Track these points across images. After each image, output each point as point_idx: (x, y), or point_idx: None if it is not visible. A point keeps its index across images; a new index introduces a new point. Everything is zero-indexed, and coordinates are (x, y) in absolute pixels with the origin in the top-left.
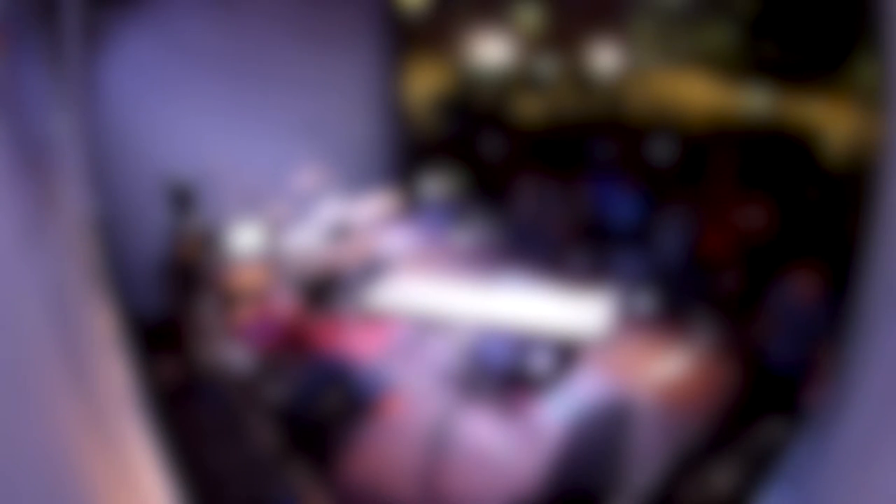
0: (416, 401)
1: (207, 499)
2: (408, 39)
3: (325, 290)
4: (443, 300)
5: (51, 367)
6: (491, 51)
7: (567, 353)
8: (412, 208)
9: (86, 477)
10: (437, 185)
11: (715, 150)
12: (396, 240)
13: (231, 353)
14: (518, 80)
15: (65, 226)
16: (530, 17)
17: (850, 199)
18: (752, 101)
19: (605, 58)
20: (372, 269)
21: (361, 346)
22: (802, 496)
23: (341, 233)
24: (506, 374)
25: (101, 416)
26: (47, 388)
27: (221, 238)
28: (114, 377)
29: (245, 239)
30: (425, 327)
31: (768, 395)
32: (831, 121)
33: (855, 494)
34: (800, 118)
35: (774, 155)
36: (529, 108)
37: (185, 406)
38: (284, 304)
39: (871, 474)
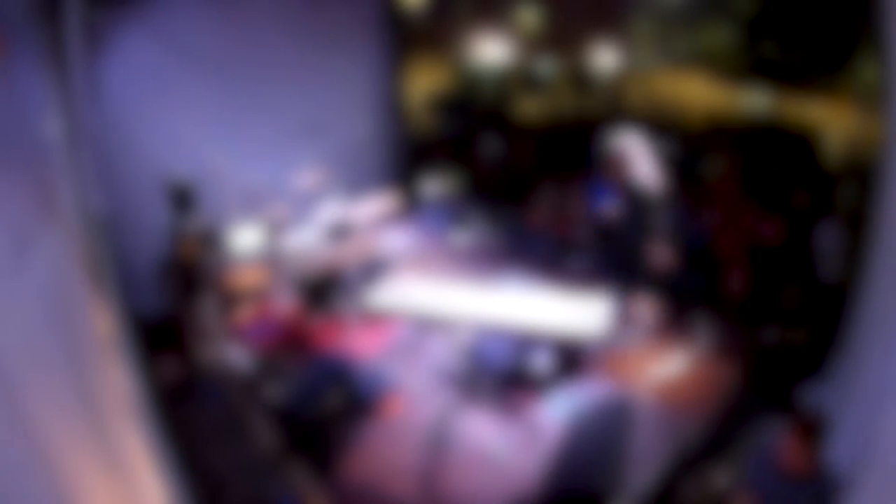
0: (416, 401)
1: (207, 499)
2: (408, 41)
3: (325, 290)
4: (443, 300)
5: (50, 370)
6: (491, 51)
7: (567, 353)
8: (412, 208)
9: (84, 479)
10: (437, 185)
11: (715, 150)
12: (396, 240)
13: (231, 353)
14: (518, 80)
15: (65, 226)
16: (530, 18)
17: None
18: (752, 101)
19: (605, 58)
20: (372, 269)
21: (361, 346)
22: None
23: (341, 233)
24: (506, 374)
25: (100, 418)
26: (46, 391)
27: (221, 238)
28: (113, 379)
29: (245, 239)
30: (425, 327)
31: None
32: (831, 121)
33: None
34: (799, 118)
35: (775, 154)
36: (529, 109)
37: (186, 406)
38: (284, 304)
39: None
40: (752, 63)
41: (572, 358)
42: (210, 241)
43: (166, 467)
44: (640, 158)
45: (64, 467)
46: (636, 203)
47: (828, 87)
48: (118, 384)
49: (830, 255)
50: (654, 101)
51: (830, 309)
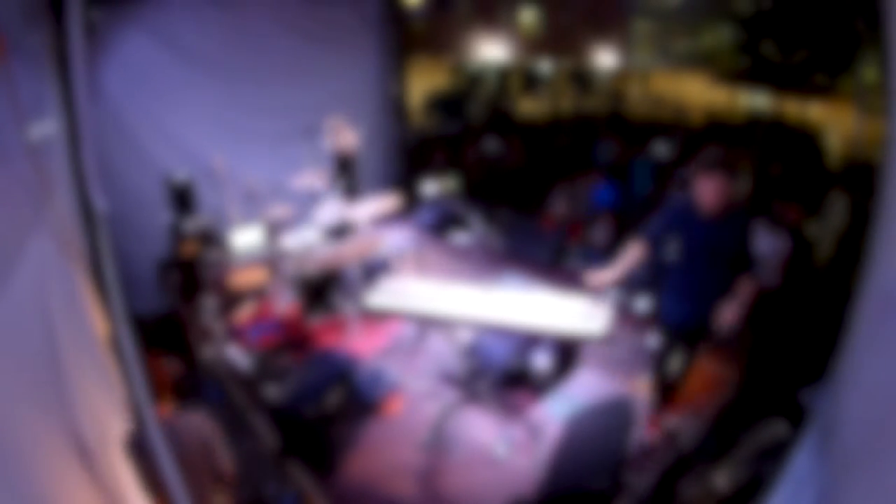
0: (416, 401)
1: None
2: (408, 41)
3: (325, 290)
4: (443, 300)
5: (37, 376)
6: (491, 51)
7: (567, 353)
8: (412, 208)
9: (72, 489)
10: (436, 185)
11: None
12: (396, 240)
13: (231, 352)
14: (518, 80)
15: (60, 228)
16: (530, 18)
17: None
18: (751, 101)
19: (605, 58)
20: (372, 269)
21: (361, 346)
22: (809, 496)
23: (341, 233)
24: (506, 374)
25: (89, 428)
26: (34, 398)
27: (221, 238)
28: (108, 382)
29: (245, 239)
30: (425, 327)
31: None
32: (831, 121)
33: (859, 494)
34: (799, 118)
35: (776, 153)
36: (529, 109)
37: (186, 406)
38: (284, 304)
39: (875, 474)
40: (752, 63)
41: (572, 358)
42: (210, 240)
43: (165, 466)
44: (345, 130)
45: (50, 479)
46: (344, 160)
47: (828, 87)
48: (112, 388)
49: (767, 258)
50: (655, 101)
51: (775, 313)
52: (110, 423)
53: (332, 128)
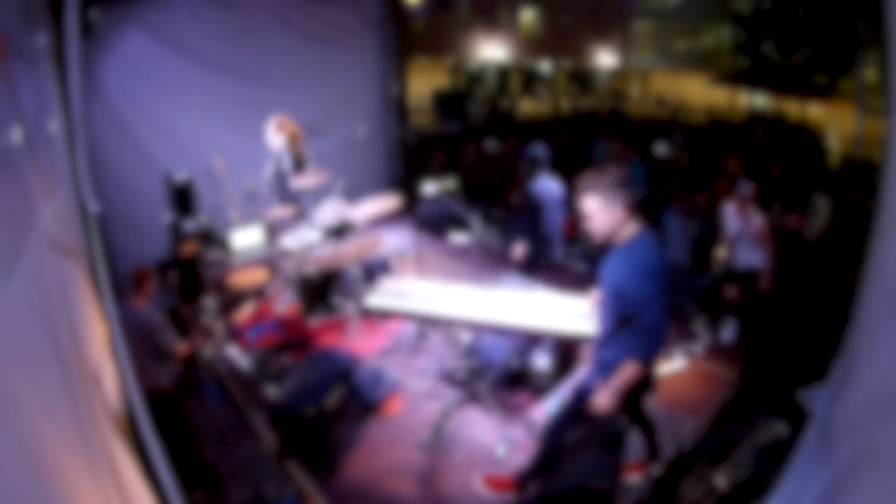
0: (416, 401)
1: (208, 498)
2: (408, 41)
3: (325, 290)
4: (443, 300)
5: (41, 376)
6: (491, 51)
7: (567, 353)
8: (412, 208)
9: (76, 484)
10: (436, 185)
11: (716, 150)
12: (396, 240)
13: (231, 352)
14: (518, 80)
15: (60, 227)
16: (530, 18)
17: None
18: (752, 101)
19: (605, 58)
20: (372, 269)
21: (361, 346)
22: (809, 496)
23: (341, 233)
24: (506, 373)
25: (91, 424)
26: (38, 397)
27: (221, 238)
28: (107, 382)
29: (245, 239)
30: (425, 327)
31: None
32: (831, 121)
33: (859, 494)
34: (800, 118)
35: (776, 153)
36: (530, 108)
37: (187, 405)
38: (284, 304)
39: (876, 474)
40: (752, 63)
41: (572, 358)
42: (210, 240)
43: (166, 467)
44: (291, 126)
45: (56, 473)
46: (296, 158)
47: (828, 88)
48: (112, 388)
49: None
50: (655, 101)
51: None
52: (111, 414)
53: (276, 126)
